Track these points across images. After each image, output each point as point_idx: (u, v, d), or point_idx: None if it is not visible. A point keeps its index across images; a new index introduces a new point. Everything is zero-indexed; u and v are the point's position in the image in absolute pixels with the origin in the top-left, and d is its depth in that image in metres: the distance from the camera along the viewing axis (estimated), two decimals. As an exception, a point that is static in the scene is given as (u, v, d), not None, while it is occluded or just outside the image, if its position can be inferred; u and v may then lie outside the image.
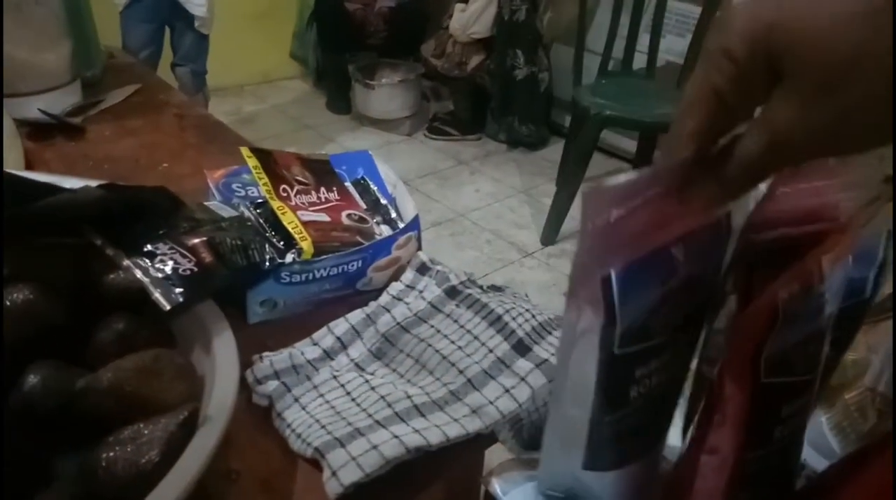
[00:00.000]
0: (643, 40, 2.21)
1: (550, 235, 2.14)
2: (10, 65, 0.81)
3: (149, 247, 0.46)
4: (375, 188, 0.64)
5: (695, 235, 0.35)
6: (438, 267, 0.56)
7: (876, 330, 0.56)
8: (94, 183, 0.46)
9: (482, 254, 2.08)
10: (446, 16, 2.87)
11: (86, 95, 0.92)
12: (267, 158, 0.59)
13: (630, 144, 2.56)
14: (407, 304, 0.52)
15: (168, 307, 0.42)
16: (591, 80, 2.28)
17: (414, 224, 0.59)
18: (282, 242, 0.53)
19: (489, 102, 2.84)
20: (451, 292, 0.53)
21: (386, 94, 2.92)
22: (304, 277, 0.52)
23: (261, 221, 0.55)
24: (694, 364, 0.41)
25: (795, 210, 0.37)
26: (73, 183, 0.47)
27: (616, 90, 2.15)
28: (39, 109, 0.81)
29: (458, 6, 2.78)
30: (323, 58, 3.14)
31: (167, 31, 2.28)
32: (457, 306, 0.51)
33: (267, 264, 0.50)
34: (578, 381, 0.35)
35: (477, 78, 2.79)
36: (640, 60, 2.25)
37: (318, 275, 0.52)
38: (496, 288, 0.56)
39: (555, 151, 2.64)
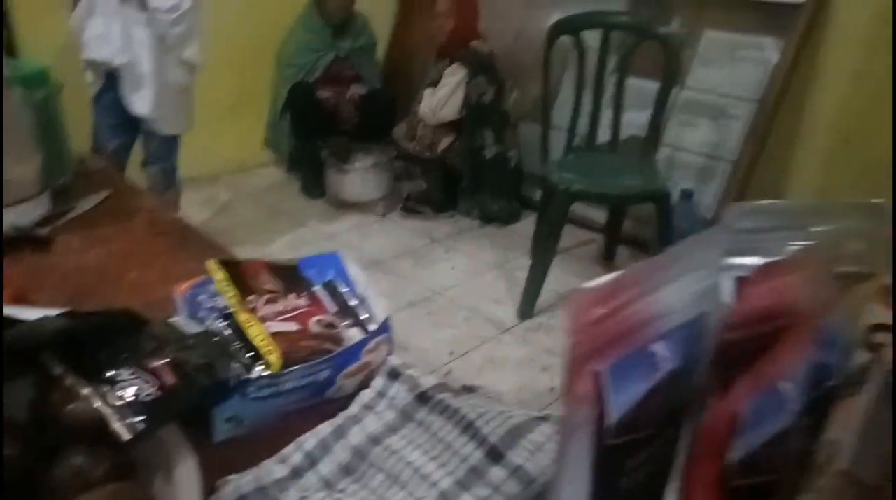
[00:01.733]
0: (606, 116, 2.30)
1: (527, 309, 2.14)
2: None
3: (111, 373, 0.45)
4: (345, 290, 0.65)
5: (674, 334, 0.36)
6: (409, 371, 0.56)
7: (844, 407, 0.56)
8: (53, 311, 0.46)
9: (460, 332, 2.07)
10: (416, 100, 2.98)
11: (55, 203, 0.92)
12: (235, 269, 0.59)
13: (600, 215, 2.61)
14: (377, 413, 0.52)
15: (127, 437, 0.41)
16: (558, 155, 2.35)
17: (384, 327, 0.59)
18: (249, 356, 0.53)
19: (461, 181, 2.91)
20: (422, 398, 0.52)
21: (359, 177, 2.98)
22: (271, 391, 0.51)
23: (228, 333, 0.54)
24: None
25: (762, 308, 0.38)
26: (33, 313, 0.46)
27: (582, 165, 2.22)
28: (7, 225, 0.81)
29: (427, 91, 2.89)
30: (297, 145, 3.21)
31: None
32: (428, 413, 0.51)
33: (233, 381, 0.49)
34: (575, 472, 0.36)
35: (448, 158, 2.87)
36: (604, 135, 2.33)
37: (286, 388, 0.52)
38: (469, 389, 0.55)
39: (527, 225, 2.69)
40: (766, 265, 0.35)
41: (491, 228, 2.83)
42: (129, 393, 0.44)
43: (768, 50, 2.32)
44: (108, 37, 1.98)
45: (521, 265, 2.37)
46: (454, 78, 2.80)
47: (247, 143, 3.42)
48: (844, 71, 2.18)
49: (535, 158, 2.61)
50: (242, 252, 0.87)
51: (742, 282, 0.35)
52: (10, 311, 0.46)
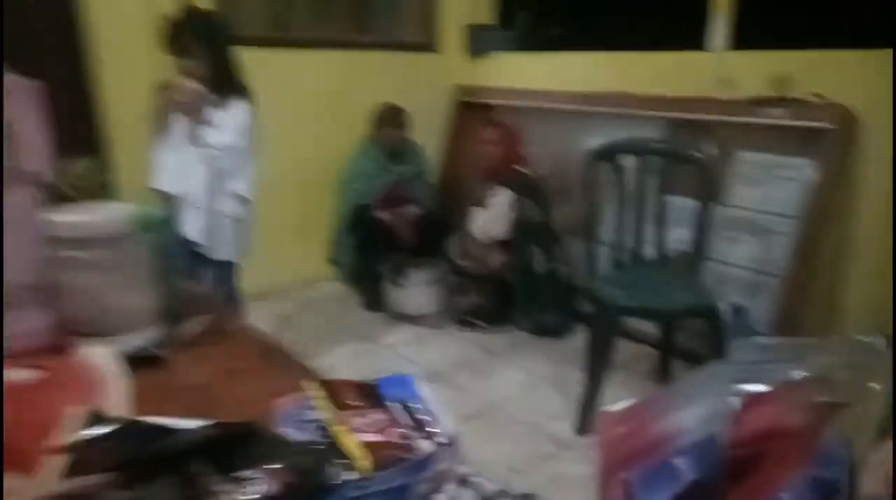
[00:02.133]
0: (650, 232, 2.41)
1: (584, 424, 2.16)
2: (104, 308, 0.99)
3: (242, 473, 0.56)
4: (418, 407, 0.75)
5: (691, 449, 0.45)
6: (476, 479, 0.65)
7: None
8: (201, 422, 0.58)
9: (518, 447, 2.10)
10: (466, 220, 3.19)
11: (166, 325, 1.08)
12: (328, 387, 0.71)
13: (653, 327, 2.65)
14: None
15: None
16: (605, 270, 2.45)
17: (453, 439, 0.68)
18: (343, 462, 0.63)
19: (513, 295, 3.02)
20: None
21: (416, 291, 3.14)
22: (362, 492, 0.61)
23: (325, 442, 0.65)
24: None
25: (759, 429, 0.47)
26: (185, 422, 0.59)
27: (629, 280, 2.31)
28: (133, 347, 0.97)
29: (476, 211, 3.10)
30: (357, 261, 3.43)
31: None
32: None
33: (334, 484, 0.60)
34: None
35: (500, 274, 3.01)
36: (649, 250, 2.43)
37: (373, 490, 0.62)
38: (527, 496, 0.64)
39: (581, 338, 2.75)
40: (761, 392, 0.44)
41: (545, 341, 2.90)
42: (257, 491, 0.54)
43: (804, 169, 2.44)
44: (170, 168, 2.19)
45: (577, 379, 2.41)
46: (502, 199, 3.01)
47: (311, 259, 3.66)
48: (876, 190, 2.27)
49: (585, 273, 2.71)
50: (309, 363, 0.99)
51: (743, 406, 0.44)
52: (167, 420, 0.58)
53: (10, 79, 0.94)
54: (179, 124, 2.14)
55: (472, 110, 3.89)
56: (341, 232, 3.48)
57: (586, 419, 2.16)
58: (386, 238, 3.30)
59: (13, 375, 0.83)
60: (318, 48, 3.48)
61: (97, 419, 0.59)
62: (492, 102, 3.74)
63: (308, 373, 0.95)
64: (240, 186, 2.28)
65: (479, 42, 3.94)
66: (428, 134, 3.82)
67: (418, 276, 3.18)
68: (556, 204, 3.12)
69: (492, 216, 2.99)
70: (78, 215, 1.02)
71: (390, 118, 3.37)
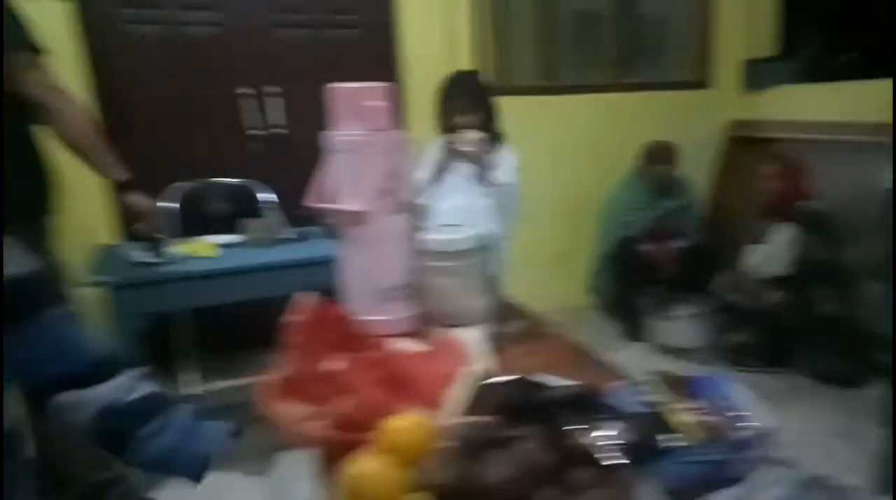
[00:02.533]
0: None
1: (885, 484, 1.95)
2: (454, 305, 1.27)
3: (592, 424, 0.74)
4: (732, 402, 0.86)
5: None
6: (788, 465, 0.73)
7: None
8: (566, 381, 0.77)
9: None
10: (738, 255, 3.07)
11: (495, 324, 1.33)
12: (658, 375, 0.87)
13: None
14: (766, 491, 0.71)
15: (623, 462, 0.68)
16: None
17: (768, 428, 0.78)
18: (675, 434, 0.77)
19: (790, 336, 2.83)
20: (809, 484, 0.70)
21: (679, 325, 3.11)
22: (690, 458, 0.74)
23: (659, 416, 0.80)
24: None
25: None
26: (555, 380, 0.79)
27: (948, 329, 2.04)
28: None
29: (752, 247, 2.97)
30: (618, 291, 3.52)
31: None
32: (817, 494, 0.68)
33: (668, 447, 0.74)
34: None
35: (776, 312, 2.84)
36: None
37: (699, 459, 0.74)
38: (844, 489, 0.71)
39: (878, 389, 2.46)
40: None
41: (830, 390, 2.65)
42: (607, 438, 0.72)
43: None
44: (454, 205, 2.41)
45: (873, 434, 2.18)
46: (783, 235, 2.85)
47: (571, 287, 3.84)
48: None
49: (886, 319, 2.44)
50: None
51: None
52: (540, 378, 0.79)
53: (400, 134, 1.29)
54: (461, 169, 2.47)
55: (746, 145, 3.74)
56: (603, 263, 3.60)
57: (888, 477, 1.95)
58: (649, 270, 3.34)
59: (405, 345, 1.14)
60: (585, 93, 3.71)
61: (489, 374, 0.82)
62: (771, 135, 3.56)
63: (612, 369, 1.11)
64: (515, 213, 2.58)
65: (757, 76, 3.79)
66: (697, 169, 3.78)
67: (683, 309, 3.15)
68: (849, 242, 2.85)
69: (771, 252, 2.85)
70: (438, 234, 1.33)
71: (659, 154, 3.43)
